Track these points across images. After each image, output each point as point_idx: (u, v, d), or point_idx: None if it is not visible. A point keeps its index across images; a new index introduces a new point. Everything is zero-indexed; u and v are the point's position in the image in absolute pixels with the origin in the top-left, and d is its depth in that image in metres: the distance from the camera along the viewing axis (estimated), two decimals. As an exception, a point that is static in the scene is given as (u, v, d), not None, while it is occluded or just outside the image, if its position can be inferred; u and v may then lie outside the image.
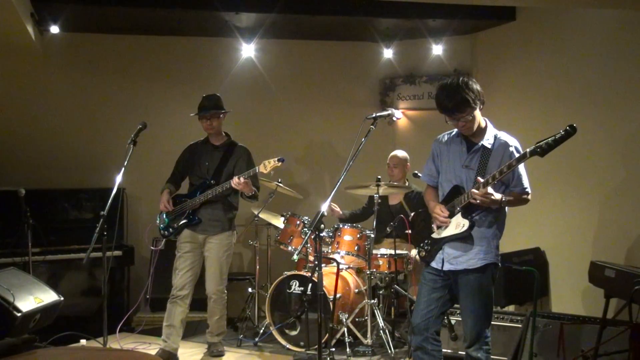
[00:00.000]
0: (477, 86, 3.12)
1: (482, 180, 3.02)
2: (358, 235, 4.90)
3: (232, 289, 5.22)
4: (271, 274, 5.67)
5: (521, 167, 3.13)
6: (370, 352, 4.64)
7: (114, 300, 5.27)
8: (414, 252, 4.81)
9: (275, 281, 4.96)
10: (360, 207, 5.60)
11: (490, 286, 3.19)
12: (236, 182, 4.30)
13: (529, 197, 3.19)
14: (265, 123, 6.40)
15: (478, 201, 3.01)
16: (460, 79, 3.10)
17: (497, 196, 3.02)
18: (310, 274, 4.77)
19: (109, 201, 3.87)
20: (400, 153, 5.40)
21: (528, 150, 2.88)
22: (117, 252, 5.26)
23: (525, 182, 3.17)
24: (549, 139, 2.82)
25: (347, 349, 4.57)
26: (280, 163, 4.23)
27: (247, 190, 4.39)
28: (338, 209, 5.40)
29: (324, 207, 3.10)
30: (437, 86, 3.24)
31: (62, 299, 4.25)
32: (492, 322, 3.29)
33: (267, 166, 4.25)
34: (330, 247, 4.93)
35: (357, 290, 4.97)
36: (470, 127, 3.16)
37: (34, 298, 4.02)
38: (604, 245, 4.68)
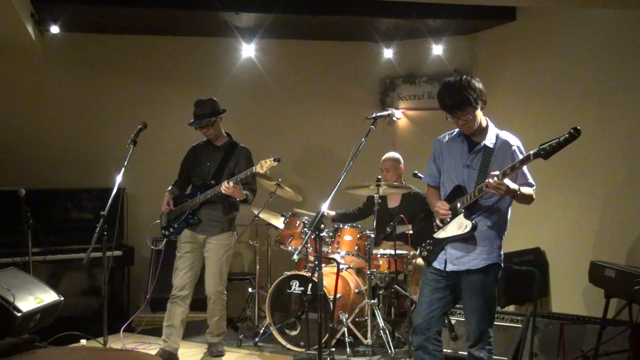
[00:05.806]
0: (480, 85, 3.12)
1: (497, 172, 2.97)
2: (358, 235, 4.89)
3: (232, 289, 5.22)
4: (271, 274, 5.67)
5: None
6: (370, 352, 4.63)
7: (114, 300, 5.27)
8: (414, 254, 4.82)
9: (275, 281, 4.96)
10: (356, 207, 5.58)
11: (493, 286, 3.19)
12: (225, 186, 4.29)
13: (534, 193, 3.17)
14: (265, 123, 6.40)
15: (492, 191, 2.96)
16: (464, 77, 3.10)
17: (513, 185, 2.99)
18: (310, 274, 4.77)
19: (109, 201, 3.87)
20: (392, 155, 5.36)
21: (532, 152, 2.87)
22: (117, 252, 5.26)
23: (530, 178, 3.17)
24: (553, 142, 2.81)
25: (347, 349, 4.56)
26: (275, 162, 4.25)
27: (238, 195, 4.36)
28: (332, 212, 5.41)
29: (324, 207, 3.10)
30: (440, 83, 3.24)
31: (62, 299, 4.26)
32: (493, 322, 3.29)
33: (263, 166, 4.27)
34: (330, 247, 4.93)
35: (357, 290, 4.97)
36: (471, 127, 3.16)
37: (34, 298, 4.02)
38: (604, 245, 4.67)
